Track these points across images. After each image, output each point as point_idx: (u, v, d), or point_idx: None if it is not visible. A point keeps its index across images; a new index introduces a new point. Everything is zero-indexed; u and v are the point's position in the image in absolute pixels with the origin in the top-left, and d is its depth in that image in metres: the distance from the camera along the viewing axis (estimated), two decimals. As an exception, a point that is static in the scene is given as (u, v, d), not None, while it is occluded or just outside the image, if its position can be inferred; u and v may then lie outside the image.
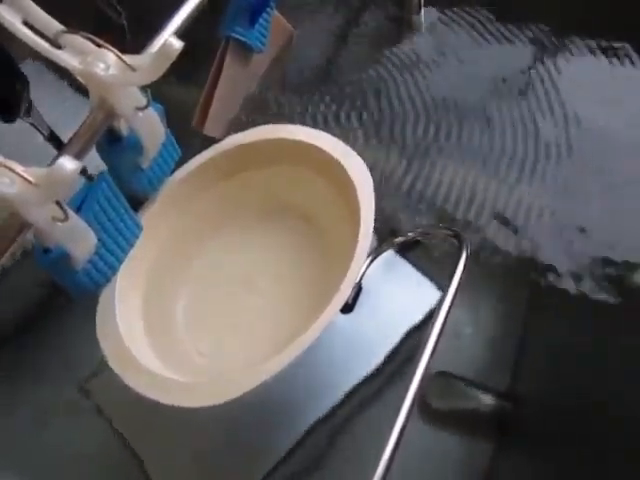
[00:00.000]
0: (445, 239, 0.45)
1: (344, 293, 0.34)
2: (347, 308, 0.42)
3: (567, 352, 0.47)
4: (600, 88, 0.58)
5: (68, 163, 0.25)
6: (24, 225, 0.30)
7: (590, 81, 0.59)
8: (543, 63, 0.61)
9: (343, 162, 0.39)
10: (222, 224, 0.44)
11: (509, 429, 0.46)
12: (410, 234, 0.48)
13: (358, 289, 0.44)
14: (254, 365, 0.33)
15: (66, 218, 0.29)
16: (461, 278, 0.38)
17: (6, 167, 0.25)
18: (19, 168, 0.26)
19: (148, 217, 0.41)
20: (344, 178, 0.39)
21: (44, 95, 0.45)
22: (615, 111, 0.56)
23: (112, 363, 0.35)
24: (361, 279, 0.43)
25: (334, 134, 0.41)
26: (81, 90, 0.61)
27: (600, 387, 0.42)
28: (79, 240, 0.33)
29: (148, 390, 0.33)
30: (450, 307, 0.37)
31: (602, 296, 0.48)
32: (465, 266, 0.39)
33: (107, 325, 0.37)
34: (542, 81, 0.59)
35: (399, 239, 0.46)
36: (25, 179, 0.25)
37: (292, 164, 0.42)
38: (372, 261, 0.44)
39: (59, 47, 0.32)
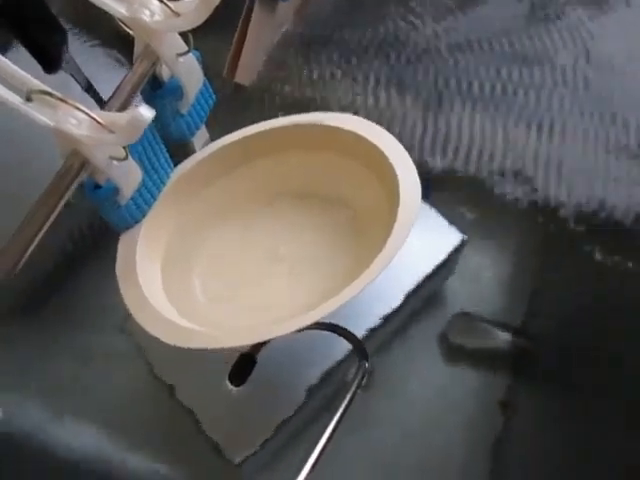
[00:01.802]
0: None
1: (385, 260, 0.34)
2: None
3: (579, 294, 0.50)
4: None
5: (147, 112, 0.27)
6: (84, 164, 0.33)
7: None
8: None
9: (385, 151, 0.39)
10: (250, 201, 0.45)
11: (524, 364, 0.49)
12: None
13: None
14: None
15: (126, 157, 0.32)
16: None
17: (79, 109, 0.27)
18: (92, 112, 0.28)
19: (181, 183, 0.42)
20: (383, 162, 0.39)
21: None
22: None
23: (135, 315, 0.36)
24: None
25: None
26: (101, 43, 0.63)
27: (608, 326, 0.44)
28: (130, 177, 0.36)
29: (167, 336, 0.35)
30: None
31: (610, 242, 0.50)
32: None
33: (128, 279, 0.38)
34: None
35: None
36: (101, 124, 0.27)
37: (327, 149, 0.42)
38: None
39: (106, -5, 0.34)
